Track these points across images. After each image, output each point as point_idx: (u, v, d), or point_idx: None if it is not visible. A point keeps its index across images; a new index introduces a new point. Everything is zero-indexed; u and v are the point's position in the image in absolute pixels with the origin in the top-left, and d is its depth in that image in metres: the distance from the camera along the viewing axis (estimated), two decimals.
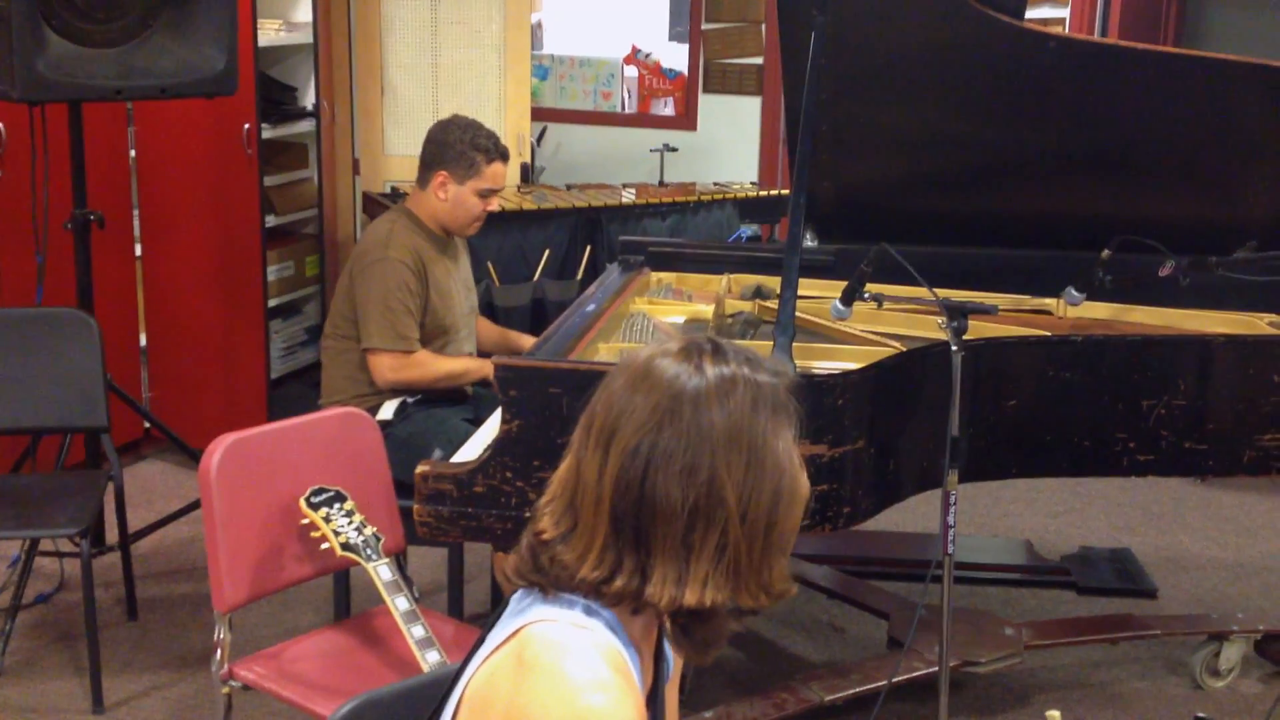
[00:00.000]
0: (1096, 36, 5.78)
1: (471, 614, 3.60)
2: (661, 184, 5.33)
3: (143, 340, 4.74)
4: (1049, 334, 2.87)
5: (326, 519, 2.50)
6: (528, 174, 5.53)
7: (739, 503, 1.35)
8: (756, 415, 1.37)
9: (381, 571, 2.44)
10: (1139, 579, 3.93)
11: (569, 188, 5.26)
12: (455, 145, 3.49)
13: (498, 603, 3.65)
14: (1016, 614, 3.71)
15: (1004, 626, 3.21)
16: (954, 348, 2.53)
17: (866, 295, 2.89)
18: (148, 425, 4.48)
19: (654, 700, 1.51)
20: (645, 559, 1.37)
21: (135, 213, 4.64)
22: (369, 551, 2.48)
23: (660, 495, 1.35)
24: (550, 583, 1.40)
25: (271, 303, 4.80)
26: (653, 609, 1.38)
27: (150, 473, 4.61)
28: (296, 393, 5.04)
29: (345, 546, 2.48)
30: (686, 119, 6.51)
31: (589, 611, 1.38)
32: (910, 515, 3.84)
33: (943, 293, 2.85)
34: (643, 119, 6.65)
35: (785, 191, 5.36)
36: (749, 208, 5.28)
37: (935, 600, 2.64)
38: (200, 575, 3.83)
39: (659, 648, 1.52)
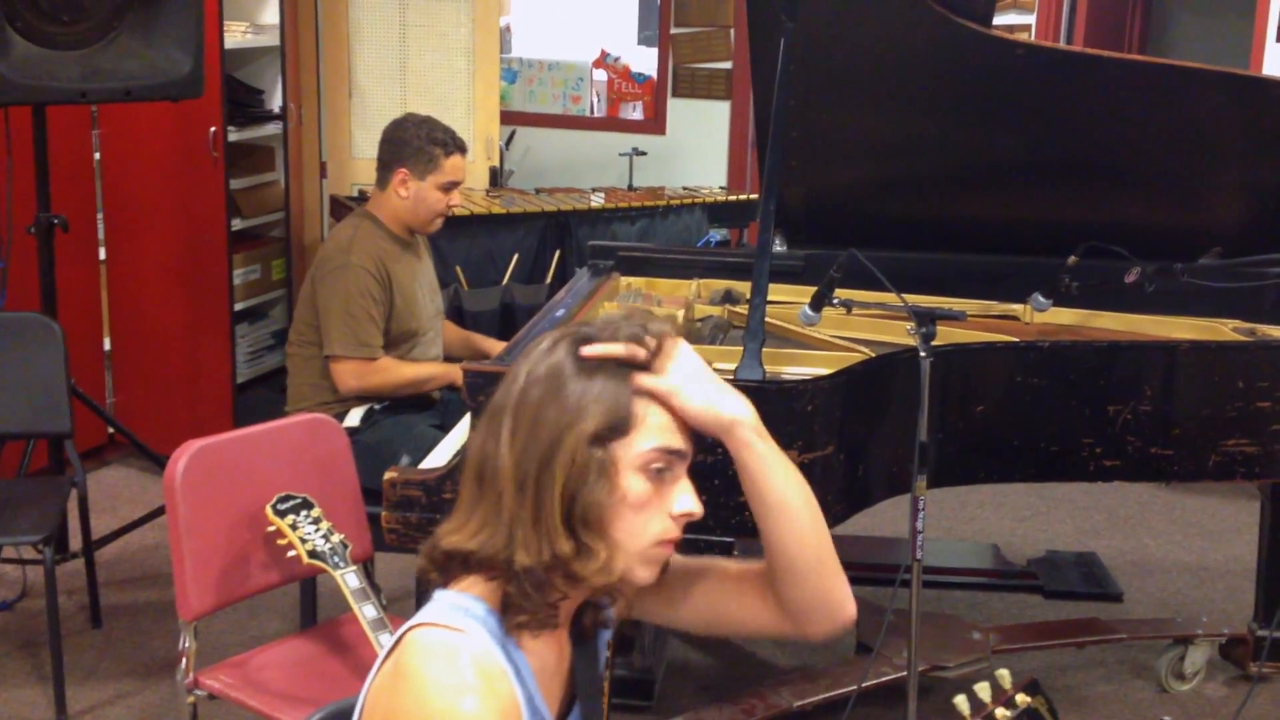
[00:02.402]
0: (1062, 42, 5.82)
1: None
2: (630, 188, 5.33)
3: (107, 344, 4.70)
4: (1016, 340, 2.88)
5: (293, 526, 2.48)
6: (496, 177, 5.52)
7: (514, 466, 1.39)
8: (552, 386, 1.39)
9: (349, 579, 2.43)
10: (1105, 583, 3.95)
11: (538, 191, 5.25)
12: (412, 141, 3.48)
13: None
14: (984, 618, 3.72)
15: (972, 631, 3.23)
16: (923, 354, 2.54)
17: (836, 301, 2.90)
18: (112, 430, 4.44)
19: (585, 678, 1.51)
20: (489, 521, 1.41)
21: (99, 215, 4.60)
22: (336, 559, 2.46)
23: (498, 463, 1.40)
24: (444, 573, 1.44)
25: (237, 306, 4.77)
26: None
27: (114, 478, 4.57)
28: (263, 398, 5.01)
29: (312, 554, 2.46)
30: (655, 123, 6.52)
31: (465, 612, 1.39)
32: (877, 519, 3.83)
33: (910, 298, 2.85)
34: (612, 123, 6.65)
35: (754, 196, 5.37)
36: (718, 212, 5.29)
37: (903, 605, 2.64)
38: (165, 582, 3.79)
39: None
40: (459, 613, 1.38)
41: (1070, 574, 3.99)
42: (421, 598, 3.49)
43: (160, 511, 3.89)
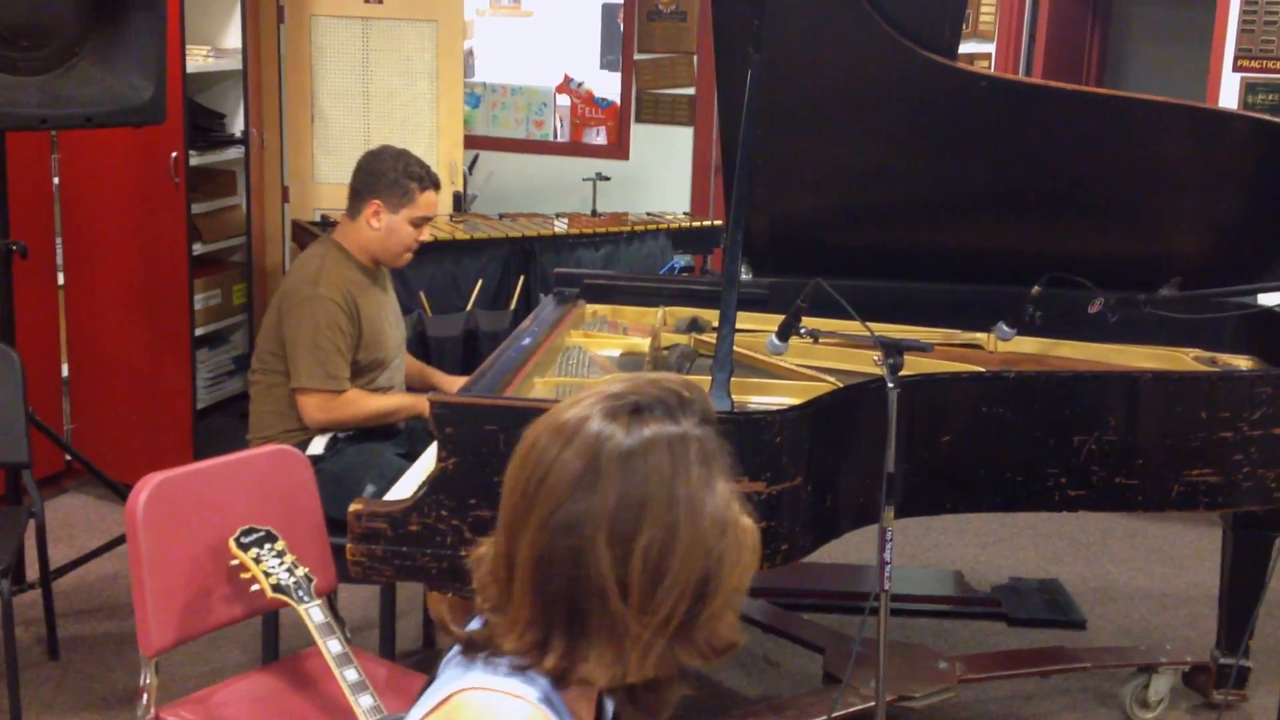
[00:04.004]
0: (1021, 72, 5.88)
1: (404, 650, 3.56)
2: (594, 213, 5.33)
3: (64, 370, 4.64)
4: (982, 370, 2.90)
5: (257, 560, 2.45)
6: (460, 202, 5.50)
7: (678, 568, 1.26)
8: (684, 472, 1.28)
9: (314, 614, 2.40)
10: (1068, 610, 3.97)
11: (501, 217, 5.25)
12: (388, 174, 3.47)
13: (430, 641, 3.65)
14: (949, 646, 3.73)
15: (938, 660, 3.23)
16: (890, 385, 2.55)
17: (802, 331, 2.91)
18: (69, 458, 4.38)
19: None
20: (578, 638, 1.28)
21: (58, 241, 4.55)
22: (300, 593, 2.43)
23: (593, 572, 1.25)
24: (491, 649, 1.33)
25: (198, 332, 4.72)
26: (581, 684, 1.31)
27: (72, 506, 4.50)
28: (223, 424, 4.96)
29: (276, 588, 2.43)
30: (619, 148, 6.53)
31: (527, 680, 1.31)
32: (842, 546, 3.82)
33: (875, 327, 2.86)
34: (575, 148, 6.66)
35: (718, 222, 5.39)
36: (682, 238, 5.30)
37: (870, 634, 2.64)
38: (124, 612, 3.74)
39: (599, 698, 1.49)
40: (514, 677, 1.30)
41: (1034, 601, 4.00)
42: (428, 644, 3.45)
43: (119, 541, 3.84)
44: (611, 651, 1.28)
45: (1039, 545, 4.52)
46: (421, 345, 4.54)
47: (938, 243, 3.44)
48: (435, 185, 3.53)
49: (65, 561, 3.87)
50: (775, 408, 2.69)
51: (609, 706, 1.52)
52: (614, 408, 1.30)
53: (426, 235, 3.57)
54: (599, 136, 6.67)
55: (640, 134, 6.45)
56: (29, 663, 3.48)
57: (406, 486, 2.85)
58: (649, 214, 5.43)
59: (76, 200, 4.54)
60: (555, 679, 1.30)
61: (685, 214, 5.62)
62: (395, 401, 3.48)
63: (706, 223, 5.38)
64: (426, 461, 2.97)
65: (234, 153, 5.01)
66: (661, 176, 6.39)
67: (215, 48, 4.93)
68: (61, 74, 3.37)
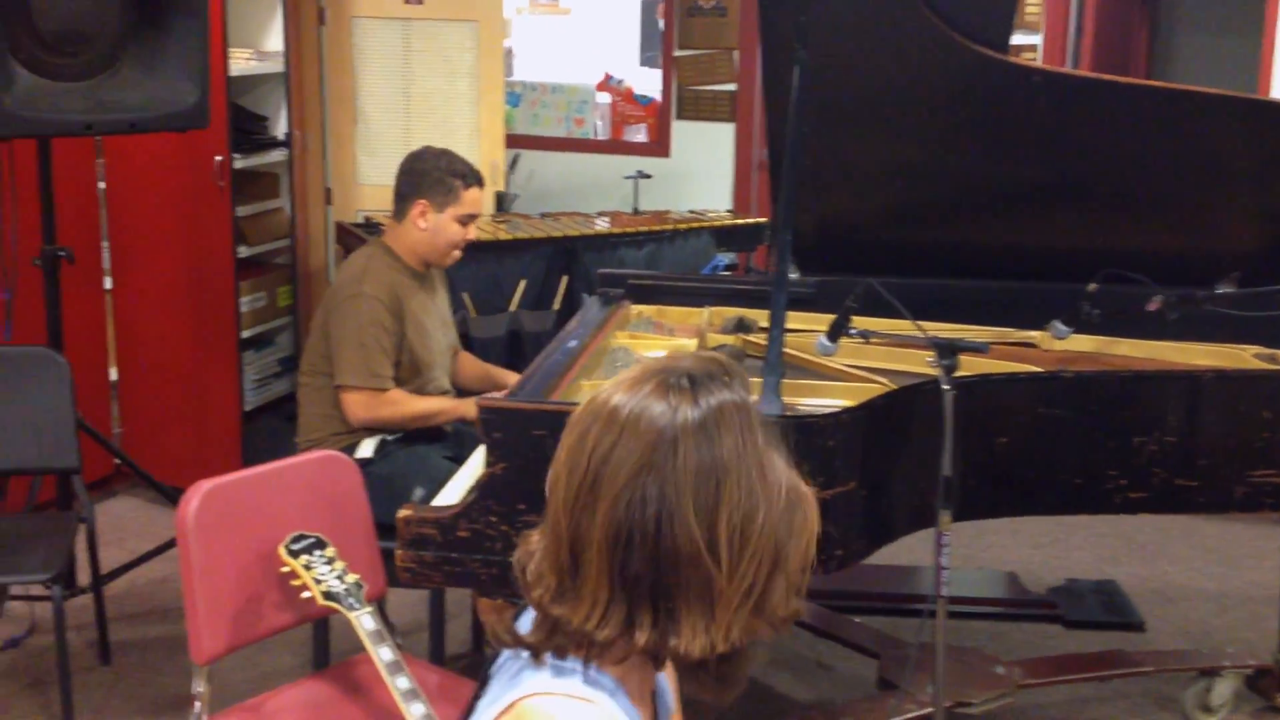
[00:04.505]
0: (1069, 63, 5.80)
1: (453, 654, 3.54)
2: (636, 211, 5.30)
3: (113, 374, 4.66)
4: (1040, 370, 2.84)
5: (307, 567, 2.44)
6: (501, 202, 5.48)
7: (760, 532, 1.28)
8: (753, 435, 1.30)
9: (364, 621, 2.38)
10: (1126, 612, 3.90)
11: (543, 216, 5.22)
12: (431, 173, 3.46)
13: (479, 644, 3.63)
14: (1004, 649, 3.67)
15: (995, 665, 3.18)
16: (945, 386, 2.50)
17: (853, 331, 2.86)
18: (119, 461, 4.40)
19: None
20: (667, 610, 1.28)
21: (105, 245, 4.56)
22: (351, 600, 2.41)
23: (681, 540, 1.26)
24: (554, 646, 1.32)
25: (244, 334, 4.73)
26: (676, 658, 1.30)
27: (122, 509, 4.52)
28: (270, 426, 4.97)
29: (327, 595, 2.41)
30: (660, 145, 6.49)
31: (589, 681, 1.31)
32: (894, 546, 3.74)
33: (927, 327, 2.82)
34: (616, 145, 6.62)
35: (761, 219, 5.34)
36: (725, 236, 5.26)
37: (926, 638, 2.60)
38: (175, 616, 3.75)
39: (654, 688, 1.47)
40: (576, 677, 1.30)
41: (1090, 603, 3.94)
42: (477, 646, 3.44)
43: (169, 544, 3.85)
44: (703, 621, 1.28)
45: (1094, 546, 4.45)
46: (466, 346, 4.51)
47: (989, 239, 3.39)
48: (479, 182, 3.52)
49: (116, 565, 3.88)
50: (827, 410, 2.65)
51: (665, 694, 1.49)
52: (670, 382, 1.31)
53: (474, 233, 3.55)
54: (640, 134, 6.64)
55: (681, 131, 6.41)
56: (81, 667, 3.49)
57: (454, 491, 2.83)
58: (691, 212, 5.39)
59: (122, 204, 4.56)
60: (649, 655, 1.30)
61: (728, 211, 5.58)
62: (438, 404, 3.46)
63: (749, 220, 5.33)
64: (474, 465, 2.95)
65: (277, 155, 5.00)
66: (703, 174, 6.35)
67: (257, 50, 4.93)
68: (105, 79, 3.37)
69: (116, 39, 3.37)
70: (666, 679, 1.50)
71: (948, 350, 2.55)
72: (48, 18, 3.23)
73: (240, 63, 4.75)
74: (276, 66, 4.88)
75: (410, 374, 3.46)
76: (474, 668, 3.49)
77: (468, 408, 3.35)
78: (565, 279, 4.80)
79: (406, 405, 3.40)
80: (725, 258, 5.29)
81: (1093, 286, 3.12)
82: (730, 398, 1.31)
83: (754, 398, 1.35)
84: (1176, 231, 3.32)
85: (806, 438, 2.46)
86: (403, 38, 5.26)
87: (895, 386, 2.76)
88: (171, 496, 4.08)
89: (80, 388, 3.47)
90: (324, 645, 2.82)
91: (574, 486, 1.30)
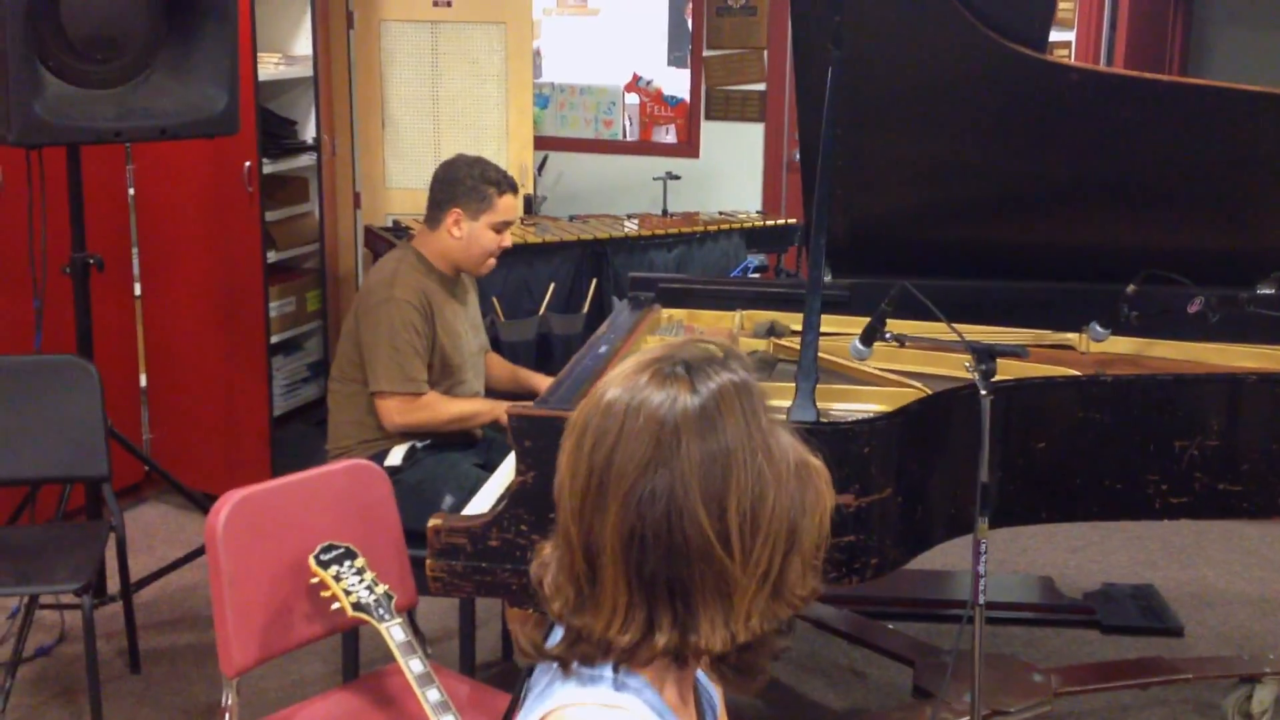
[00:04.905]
0: (1103, 58, 5.73)
1: (484, 661, 3.52)
2: (665, 213, 5.26)
3: (143, 380, 4.66)
4: (1078, 374, 2.79)
5: (337, 578, 2.42)
6: (530, 204, 5.46)
7: (771, 514, 1.24)
8: (756, 414, 1.26)
9: (394, 633, 2.36)
10: (1164, 617, 3.84)
11: (572, 219, 5.19)
12: (465, 181, 3.44)
13: (510, 652, 3.60)
14: (1041, 655, 3.62)
15: (1033, 672, 3.13)
16: (983, 392, 2.46)
17: (888, 335, 2.82)
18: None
19: None
20: (684, 607, 1.25)
21: (134, 250, 4.57)
22: (381, 612, 2.39)
23: (692, 533, 1.22)
24: (579, 655, 1.29)
25: (273, 339, 4.72)
26: (698, 655, 1.27)
27: (152, 516, 4.52)
28: (300, 431, 4.97)
29: (356, 606, 2.39)
30: (689, 146, 6.45)
31: (618, 686, 1.27)
32: (927, 551, 3.75)
33: (962, 329, 2.77)
34: (644, 146, 6.58)
35: (791, 220, 5.29)
36: (755, 237, 5.22)
37: (962, 645, 2.56)
38: (205, 624, 3.74)
39: (695, 684, 1.43)
40: (605, 684, 1.27)
41: (1128, 607, 3.88)
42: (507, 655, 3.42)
43: (198, 552, 3.85)
44: (721, 614, 1.25)
45: (1131, 549, 4.39)
46: (495, 350, 4.49)
47: (1024, 239, 3.34)
48: (513, 189, 3.50)
49: (146, 573, 3.89)
50: (862, 416, 2.61)
51: (708, 690, 1.46)
52: (666, 371, 1.27)
53: (509, 240, 3.53)
54: (668, 135, 6.60)
55: (710, 131, 6.37)
56: (111, 676, 3.49)
57: (485, 499, 2.80)
58: (721, 213, 5.36)
59: (152, 210, 4.56)
60: (671, 656, 1.27)
61: (758, 212, 5.53)
62: (474, 406, 3.44)
63: (780, 221, 5.29)
64: (505, 472, 2.93)
65: (306, 159, 5.00)
66: (732, 174, 6.31)
67: (286, 55, 4.92)
68: (135, 86, 3.36)
69: (146, 45, 3.36)
70: (706, 675, 1.47)
71: (985, 355, 2.50)
72: (78, 24, 3.22)
73: (269, 67, 4.75)
74: (305, 71, 4.87)
75: (441, 376, 3.44)
76: (505, 676, 3.47)
77: (503, 411, 3.33)
78: (594, 281, 4.77)
79: (443, 408, 3.38)
80: (755, 259, 5.25)
81: (1131, 288, 3.06)
82: (729, 378, 1.28)
83: (755, 376, 1.31)
84: (1216, 231, 3.26)
85: (842, 445, 2.42)
86: (431, 41, 5.25)
87: (930, 391, 2.72)
88: (201, 503, 4.09)
89: (110, 394, 3.46)
90: (354, 655, 2.80)
91: (580, 492, 1.27)
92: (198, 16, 3.41)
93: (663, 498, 1.23)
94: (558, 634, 1.34)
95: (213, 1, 3.42)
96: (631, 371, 1.29)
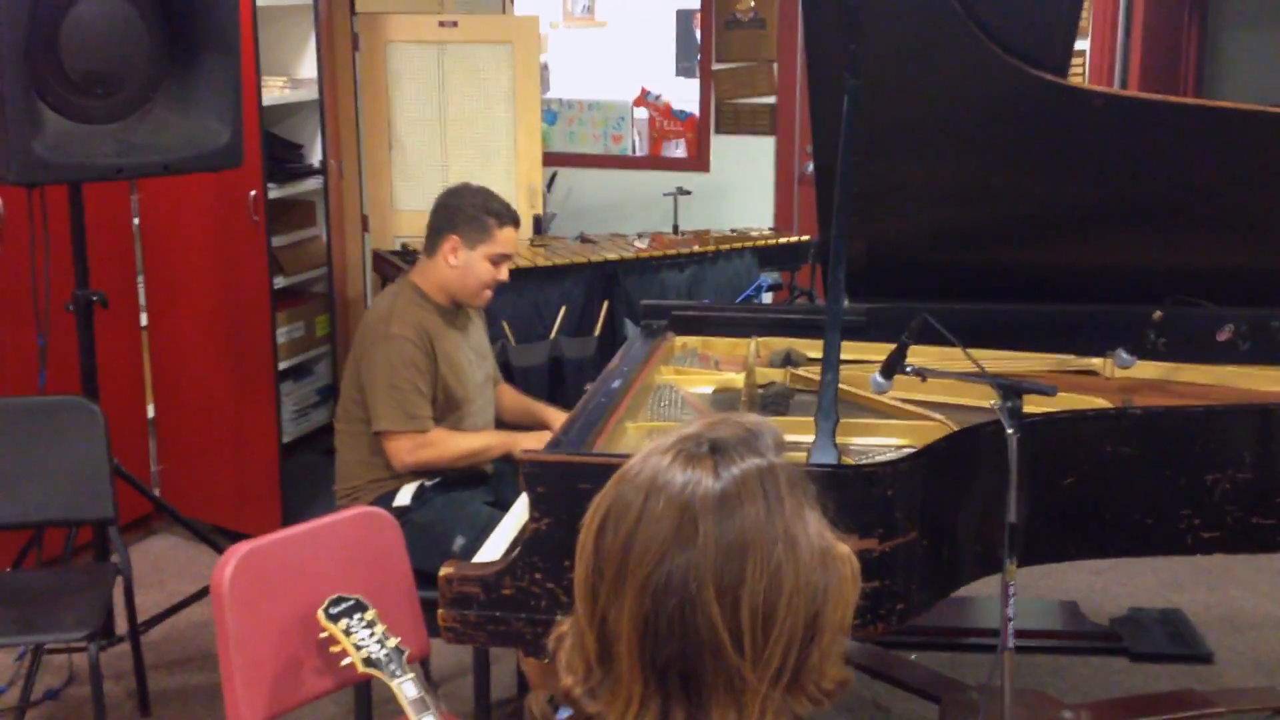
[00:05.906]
0: (1118, 67, 5.66)
1: (498, 698, 3.45)
2: (676, 229, 5.19)
3: (150, 411, 4.61)
4: (1107, 406, 2.71)
5: (347, 632, 2.35)
6: (539, 223, 5.40)
7: (786, 609, 1.18)
8: (780, 501, 1.20)
9: (407, 689, 2.29)
10: (1193, 643, 3.76)
11: (582, 238, 5.11)
12: (466, 209, 3.37)
13: (524, 688, 3.53)
14: (1068, 685, 3.54)
15: (1062, 710, 3.06)
16: (1009, 430, 2.39)
17: (909, 368, 2.75)
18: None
19: None
20: (697, 704, 1.19)
21: (140, 280, 4.51)
22: (393, 667, 2.32)
23: (703, 626, 1.17)
24: None
25: (282, 365, 4.67)
26: None
27: (160, 549, 4.46)
28: (309, 461, 4.91)
29: (367, 662, 2.32)
30: (699, 160, 6.38)
31: None
32: None
33: (980, 354, 2.70)
34: (655, 161, 6.52)
35: (804, 237, 5.22)
36: (768, 255, 5.14)
37: (984, 681, 2.48)
38: (214, 663, 3.61)
39: None
40: None
41: (1156, 634, 3.80)
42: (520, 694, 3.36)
43: (207, 589, 3.78)
44: (734, 711, 1.19)
45: (1157, 571, 4.30)
46: (506, 375, 4.42)
47: (1047, 262, 3.27)
48: (515, 222, 3.42)
49: (156, 609, 3.83)
50: (884, 457, 2.54)
51: None
52: (692, 452, 1.21)
53: (505, 274, 3.45)
54: (678, 149, 6.54)
55: (720, 145, 6.30)
56: (120, 718, 3.43)
57: (498, 544, 2.74)
58: (733, 230, 5.28)
59: (157, 241, 4.50)
60: None
61: (770, 229, 5.46)
62: (484, 440, 3.38)
63: (793, 239, 5.22)
64: (517, 515, 2.86)
65: (313, 183, 4.95)
66: (743, 188, 6.25)
67: (291, 78, 4.87)
68: (136, 121, 3.30)
69: (147, 79, 3.30)
70: None
71: (1011, 392, 2.43)
72: (77, 59, 3.16)
73: (274, 91, 4.69)
74: (311, 94, 4.82)
75: (446, 409, 3.37)
76: (519, 715, 3.41)
77: (515, 443, 3.26)
78: (606, 304, 4.70)
79: (451, 445, 3.31)
80: (769, 277, 5.17)
81: (1157, 314, 2.99)
82: (755, 463, 1.21)
83: (785, 457, 1.24)
84: (1243, 253, 3.19)
85: (864, 488, 2.35)
86: (437, 62, 5.18)
87: (953, 424, 2.65)
88: (209, 539, 4.03)
89: (117, 426, 3.41)
90: (366, 707, 2.73)
91: (600, 567, 1.22)
92: (199, 49, 3.35)
93: (678, 589, 1.17)
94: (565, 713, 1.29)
95: (215, 33, 3.36)
96: (659, 449, 1.24)
